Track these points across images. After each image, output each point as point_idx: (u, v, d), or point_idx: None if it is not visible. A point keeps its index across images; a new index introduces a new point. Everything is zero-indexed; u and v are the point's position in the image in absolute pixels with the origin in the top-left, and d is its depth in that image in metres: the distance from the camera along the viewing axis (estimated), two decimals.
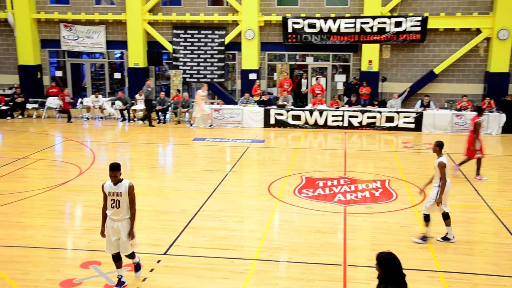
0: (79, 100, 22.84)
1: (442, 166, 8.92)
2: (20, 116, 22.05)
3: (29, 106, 22.44)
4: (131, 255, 7.49)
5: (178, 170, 14.28)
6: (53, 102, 22.37)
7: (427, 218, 9.13)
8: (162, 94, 21.16)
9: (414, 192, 12.03)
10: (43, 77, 24.64)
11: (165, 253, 8.63)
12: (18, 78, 24.19)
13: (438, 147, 9.20)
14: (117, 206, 7.23)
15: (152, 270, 7.98)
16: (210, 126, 20.29)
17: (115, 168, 7.21)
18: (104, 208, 7.36)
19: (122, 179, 7.30)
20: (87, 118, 21.83)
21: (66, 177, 13.10)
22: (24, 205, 11.03)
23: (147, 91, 20.43)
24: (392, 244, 9.09)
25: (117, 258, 7.42)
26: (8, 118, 21.67)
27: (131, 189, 7.28)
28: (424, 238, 9.14)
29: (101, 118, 21.93)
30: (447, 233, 9.17)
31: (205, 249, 8.80)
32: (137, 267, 7.72)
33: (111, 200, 7.23)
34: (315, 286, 7.54)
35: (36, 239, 9.17)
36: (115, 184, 7.25)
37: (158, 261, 8.31)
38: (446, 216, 9.08)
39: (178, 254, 8.60)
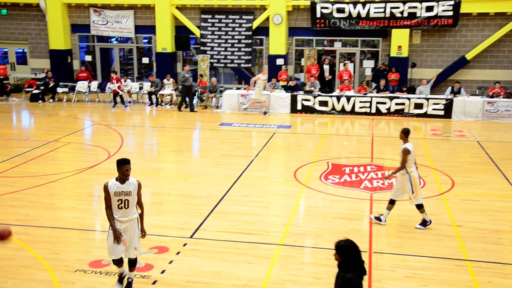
0: (108, 84, 23.10)
1: (404, 152, 9.03)
2: (51, 100, 22.46)
3: (59, 90, 22.82)
4: (134, 263, 7.02)
5: (205, 155, 14.37)
6: (82, 86, 22.69)
7: (419, 207, 9.17)
8: (190, 79, 21.22)
9: (442, 180, 11.87)
10: (73, 62, 24.99)
11: (191, 237, 8.73)
12: (49, 62, 24.59)
13: (404, 133, 9.31)
14: (126, 207, 6.65)
15: (178, 253, 8.09)
16: (265, 113, 19.84)
17: (127, 162, 6.58)
18: (109, 209, 6.66)
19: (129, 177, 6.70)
20: (116, 102, 22.08)
21: (95, 160, 13.33)
22: (54, 187, 11.27)
23: (183, 77, 20.26)
24: (418, 232, 9.01)
25: (119, 262, 6.91)
26: (40, 101, 22.10)
27: (140, 187, 6.75)
28: (424, 223, 9.16)
29: (129, 102, 22.17)
30: (382, 214, 9.35)
31: (230, 234, 8.87)
32: (121, 280, 7.05)
33: (118, 201, 6.61)
34: None
35: (66, 221, 9.37)
36: (123, 182, 6.61)
37: (184, 244, 8.41)
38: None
39: (204, 238, 8.69)
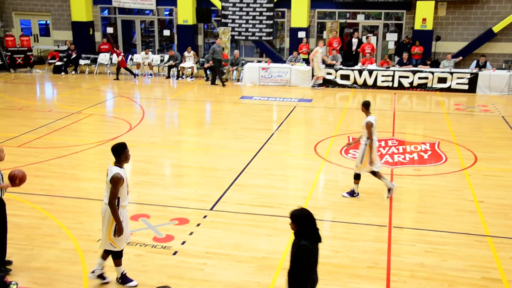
0: (129, 56, 23.16)
1: (369, 126, 9.01)
2: (73, 72, 22.63)
3: (82, 62, 22.96)
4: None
5: (225, 128, 14.40)
6: (104, 58, 22.79)
7: (357, 177, 9.30)
8: (221, 53, 21.08)
9: (465, 155, 11.73)
10: (95, 34, 25.06)
11: (211, 209, 8.82)
12: (71, 34, 24.71)
13: (365, 106, 9.22)
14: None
15: (198, 225, 8.18)
16: (313, 86, 19.48)
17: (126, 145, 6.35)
18: (117, 200, 6.18)
19: None
20: (137, 75, 22.16)
21: (116, 132, 13.46)
22: (77, 158, 11.44)
23: (214, 50, 19.85)
24: (439, 207, 8.96)
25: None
26: (62, 73, 22.29)
27: None
28: (352, 193, 9.33)
29: (151, 75, 22.23)
30: (352, 189, 9.40)
31: (250, 206, 8.93)
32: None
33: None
34: (359, 246, 7.56)
35: (89, 191, 9.53)
36: (122, 166, 6.30)
37: (205, 216, 8.50)
38: (357, 176, 9.28)
39: (224, 210, 8.77)
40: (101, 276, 6.51)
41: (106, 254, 6.45)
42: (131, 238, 7.66)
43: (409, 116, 15.71)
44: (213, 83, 20.25)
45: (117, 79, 21.30)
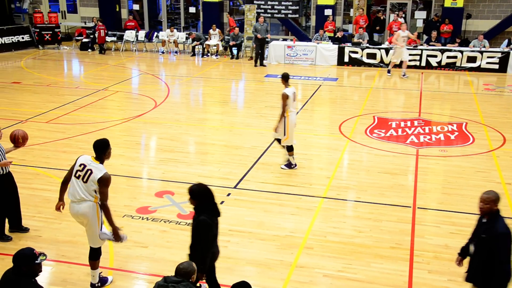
0: (155, 34, 23.18)
1: (284, 97, 9.16)
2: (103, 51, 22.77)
3: (108, 39, 23.07)
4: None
5: (250, 106, 14.38)
6: (130, 35, 22.86)
7: (289, 149, 9.46)
8: (237, 29, 21.00)
9: (493, 136, 11.52)
10: (121, 11, 25.12)
11: (235, 187, 8.87)
12: (98, 11, 24.81)
13: (283, 78, 9.46)
14: None
15: (222, 202, 8.24)
16: (404, 75, 17.64)
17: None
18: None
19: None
20: (162, 52, 22.20)
21: (142, 109, 13.57)
22: (103, 135, 11.56)
23: (256, 29, 19.32)
24: (465, 188, 8.85)
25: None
26: (89, 50, 22.47)
27: None
28: (289, 165, 9.56)
29: (176, 52, 22.25)
30: (288, 160, 9.59)
31: (274, 185, 8.95)
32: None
33: None
34: (383, 226, 7.54)
35: (115, 167, 9.66)
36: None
37: (228, 194, 8.56)
38: (290, 148, 9.46)
39: (248, 189, 8.82)
40: (105, 281, 6.15)
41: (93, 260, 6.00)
42: (156, 214, 7.80)
43: (436, 96, 15.45)
44: (260, 64, 19.46)
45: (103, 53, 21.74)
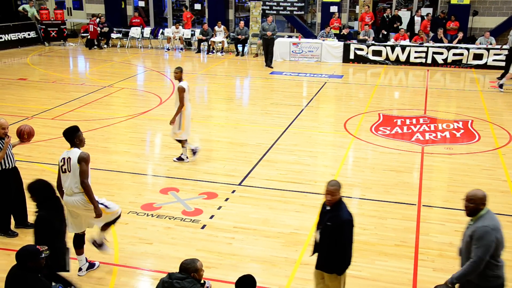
0: (160, 30, 23.20)
1: (180, 90, 9.35)
2: (105, 46, 22.83)
3: (113, 36, 23.12)
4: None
5: (255, 103, 14.37)
6: (135, 32, 22.89)
7: (183, 141, 9.64)
8: (242, 23, 20.91)
9: (499, 134, 11.47)
10: (127, 7, 25.14)
11: (240, 184, 8.87)
12: (103, 7, 24.84)
13: (177, 73, 9.59)
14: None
15: (227, 199, 8.25)
16: (501, 87, 15.58)
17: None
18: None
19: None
20: (168, 49, 22.22)
21: (147, 106, 13.59)
22: (109, 131, 11.62)
23: (263, 29, 18.96)
24: (470, 186, 8.75)
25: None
26: (95, 47, 22.51)
27: None
28: (180, 158, 9.76)
29: (181, 49, 22.25)
30: (182, 154, 9.76)
31: (279, 182, 8.94)
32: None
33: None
34: (388, 224, 7.53)
35: (120, 164, 9.69)
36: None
37: (233, 191, 8.56)
38: (183, 141, 9.64)
39: (253, 186, 8.82)
40: (92, 266, 6.32)
41: (79, 248, 6.17)
42: (161, 211, 7.81)
43: (442, 94, 15.39)
44: (268, 65, 18.77)
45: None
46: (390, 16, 21.28)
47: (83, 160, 5.81)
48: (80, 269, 6.18)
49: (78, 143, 5.95)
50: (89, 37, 22.21)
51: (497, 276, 4.69)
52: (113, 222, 6.25)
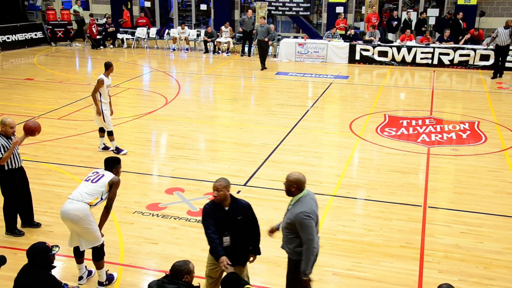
0: (166, 31, 23.24)
1: (98, 82, 9.79)
2: (111, 46, 22.90)
3: (119, 36, 23.18)
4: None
5: (260, 104, 14.37)
6: (141, 32, 22.94)
7: (110, 133, 10.06)
8: (250, 11, 20.80)
9: (506, 135, 11.42)
10: (132, 8, 25.20)
11: (245, 184, 8.88)
12: (110, 8, 24.91)
13: (104, 66, 9.99)
14: None
15: None
16: None
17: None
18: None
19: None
20: (173, 49, 22.27)
21: (152, 106, 13.61)
22: (114, 131, 11.58)
23: (256, 32, 18.65)
24: (476, 188, 8.78)
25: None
26: (101, 47, 22.59)
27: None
28: (105, 147, 10.20)
29: (187, 49, 22.29)
30: (104, 144, 10.29)
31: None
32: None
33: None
34: (393, 225, 7.51)
35: (126, 164, 9.66)
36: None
37: (238, 192, 8.56)
38: (110, 133, 10.07)
39: (258, 186, 8.82)
40: (90, 273, 6.25)
41: (80, 257, 6.07)
42: (166, 211, 7.82)
43: (448, 95, 15.34)
44: (263, 67, 18.56)
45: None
46: (409, 20, 21.00)
47: (116, 184, 5.99)
48: (81, 278, 6.13)
49: (115, 173, 6.09)
50: (92, 37, 22.36)
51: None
52: (102, 255, 5.96)
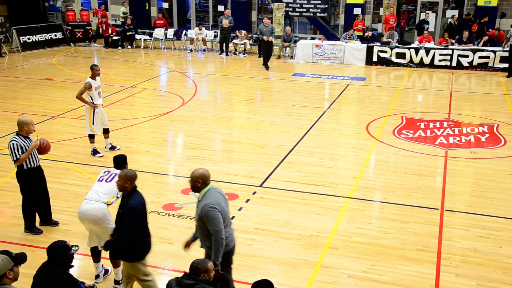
0: (183, 32, 23.35)
1: (85, 85, 9.70)
2: (129, 47, 23.08)
3: (137, 37, 23.35)
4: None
5: (276, 105, 14.36)
6: (159, 33, 23.08)
7: (91, 136, 10.04)
8: (266, 20, 20.75)
9: None
10: (151, 9, 25.37)
11: (260, 185, 8.88)
12: (128, 9, 25.09)
13: (90, 69, 9.87)
14: None
15: (247, 200, 8.26)
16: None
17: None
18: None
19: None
20: (191, 50, 22.37)
21: (169, 106, 13.68)
22: (131, 131, 11.73)
23: (260, 32, 18.60)
24: (495, 191, 8.67)
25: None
26: (119, 48, 22.77)
27: None
28: (95, 152, 10.14)
29: (204, 50, 22.37)
30: (110, 143, 10.42)
31: (299, 184, 8.92)
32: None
33: None
34: (409, 228, 7.44)
35: (142, 164, 9.77)
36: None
37: (254, 193, 8.57)
38: (92, 136, 10.01)
39: (273, 187, 8.81)
40: (106, 272, 6.38)
41: (97, 256, 6.20)
42: (182, 211, 7.85)
43: (467, 97, 15.17)
44: (265, 67, 18.78)
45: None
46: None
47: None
48: (97, 276, 6.23)
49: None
50: (113, 37, 22.56)
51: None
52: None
